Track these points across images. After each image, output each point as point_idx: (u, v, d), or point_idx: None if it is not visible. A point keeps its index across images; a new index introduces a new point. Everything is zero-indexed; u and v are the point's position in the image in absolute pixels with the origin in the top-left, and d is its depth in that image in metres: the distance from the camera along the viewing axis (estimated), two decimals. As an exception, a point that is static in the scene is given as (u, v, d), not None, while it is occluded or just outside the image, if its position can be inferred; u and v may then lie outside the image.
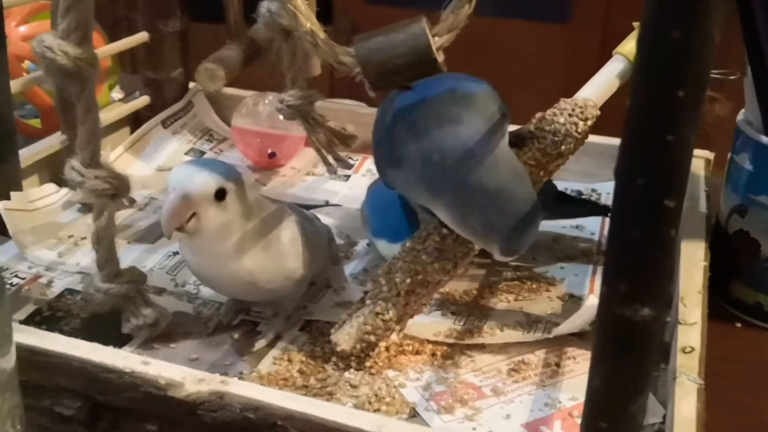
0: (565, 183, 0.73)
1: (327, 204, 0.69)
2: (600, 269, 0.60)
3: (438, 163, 0.46)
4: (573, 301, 0.57)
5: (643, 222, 0.28)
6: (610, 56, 0.53)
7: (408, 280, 0.48)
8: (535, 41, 1.43)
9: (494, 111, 0.48)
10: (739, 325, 0.56)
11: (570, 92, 0.52)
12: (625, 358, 0.31)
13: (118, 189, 0.48)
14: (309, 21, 0.45)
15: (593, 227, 0.66)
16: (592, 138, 0.52)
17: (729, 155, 0.58)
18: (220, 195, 0.46)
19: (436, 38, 0.45)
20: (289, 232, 0.51)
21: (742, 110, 0.57)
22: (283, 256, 0.50)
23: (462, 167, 0.45)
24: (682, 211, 0.29)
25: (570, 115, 0.49)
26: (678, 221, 0.29)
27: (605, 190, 0.72)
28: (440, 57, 0.45)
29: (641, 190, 0.28)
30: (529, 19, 1.44)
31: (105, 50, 0.72)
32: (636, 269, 0.29)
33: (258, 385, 0.44)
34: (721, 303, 0.57)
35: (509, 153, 0.47)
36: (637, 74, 0.28)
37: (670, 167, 0.28)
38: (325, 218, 0.62)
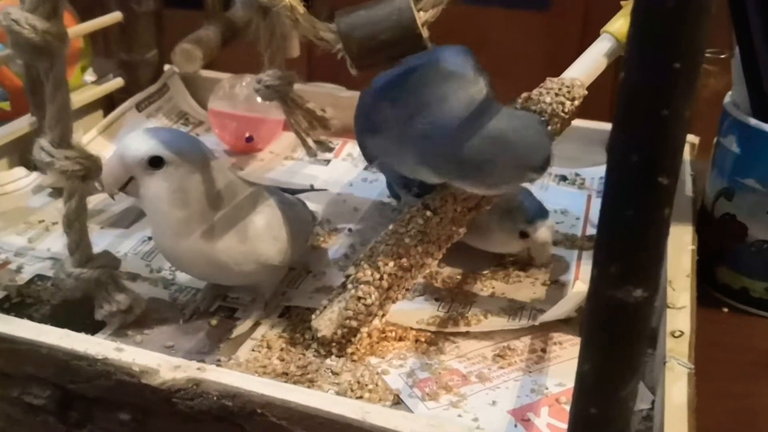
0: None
1: (312, 188, 0.67)
2: (585, 254, 0.59)
3: (410, 116, 0.47)
4: (557, 286, 0.56)
5: (637, 200, 0.27)
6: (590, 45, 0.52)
7: (391, 264, 0.46)
8: (514, 29, 1.42)
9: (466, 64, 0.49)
10: (725, 310, 0.56)
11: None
12: (617, 342, 0.30)
13: (89, 170, 0.46)
14: (288, -4, 0.43)
15: (578, 211, 0.65)
16: (576, 122, 0.51)
17: (715, 139, 0.57)
18: (155, 163, 0.46)
19: (421, 13, 0.43)
20: (263, 216, 0.49)
21: (729, 92, 0.56)
22: (254, 240, 0.49)
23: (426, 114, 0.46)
24: (676, 189, 0.28)
25: (556, 95, 0.47)
26: (672, 199, 0.28)
27: (589, 175, 0.71)
28: (425, 33, 0.43)
29: (635, 166, 0.27)
30: (509, 7, 1.43)
31: (77, 29, 0.70)
32: (629, 249, 0.28)
33: (236, 371, 0.42)
34: (706, 288, 0.56)
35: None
36: (631, 46, 0.26)
37: (664, 143, 0.27)
38: (306, 203, 0.60)
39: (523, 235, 0.55)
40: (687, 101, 0.26)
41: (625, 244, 0.28)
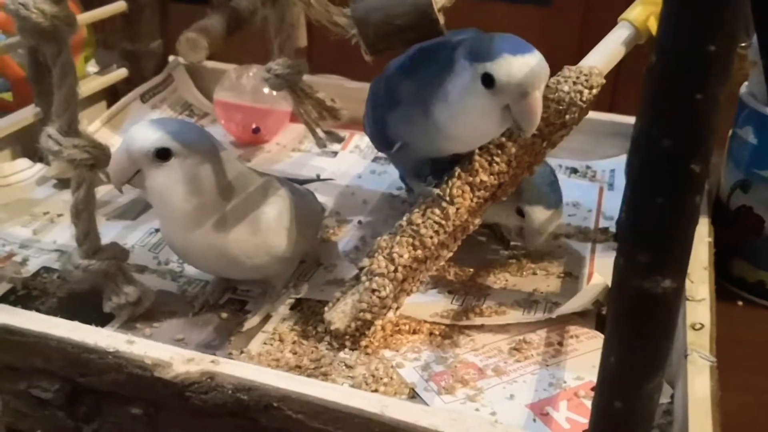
0: (559, 160, 0.71)
1: (318, 178, 0.66)
2: (598, 246, 0.58)
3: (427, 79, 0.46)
4: (571, 280, 0.55)
5: (667, 187, 0.27)
6: (591, 42, 0.51)
7: (406, 255, 0.46)
8: (515, 24, 1.41)
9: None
10: (740, 303, 0.55)
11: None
12: (644, 333, 0.29)
13: (97, 159, 0.45)
14: (302, -21, 0.43)
15: (590, 204, 0.65)
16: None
17: (730, 130, 0.57)
18: (162, 155, 0.44)
19: (438, -2, 0.42)
20: (275, 207, 0.48)
21: (745, 83, 0.55)
22: (265, 231, 0.48)
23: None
24: (707, 176, 0.27)
25: (574, 83, 0.47)
26: (703, 187, 0.27)
27: (600, 168, 0.71)
28: (441, 18, 0.42)
29: (666, 152, 0.26)
30: (510, 2, 1.42)
31: (80, 19, 0.69)
32: (658, 238, 0.27)
33: (252, 364, 0.41)
34: (721, 281, 0.56)
35: None
36: (664, 28, 0.26)
37: (698, 128, 0.26)
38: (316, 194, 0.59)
39: (519, 212, 0.53)
40: (722, 85, 0.26)
41: (654, 233, 0.27)
